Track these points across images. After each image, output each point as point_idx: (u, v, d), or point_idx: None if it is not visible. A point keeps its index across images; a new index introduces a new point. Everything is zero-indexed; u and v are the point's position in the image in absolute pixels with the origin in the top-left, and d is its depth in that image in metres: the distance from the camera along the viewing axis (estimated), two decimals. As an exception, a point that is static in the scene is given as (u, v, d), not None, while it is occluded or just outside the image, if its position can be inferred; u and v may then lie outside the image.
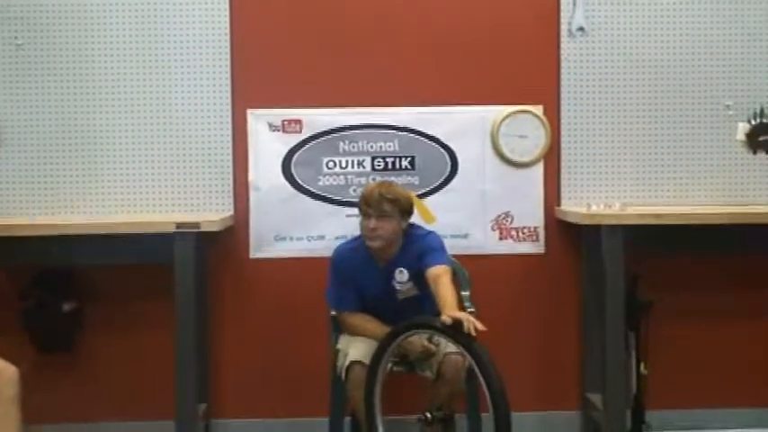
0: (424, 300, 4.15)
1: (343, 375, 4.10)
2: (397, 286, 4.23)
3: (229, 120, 4.94)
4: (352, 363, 4.06)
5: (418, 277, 4.15)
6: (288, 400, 4.98)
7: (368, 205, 4.16)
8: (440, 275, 4.00)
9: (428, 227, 4.52)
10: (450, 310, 3.77)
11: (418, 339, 4.04)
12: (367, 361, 4.02)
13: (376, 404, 3.98)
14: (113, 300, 4.89)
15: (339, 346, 4.27)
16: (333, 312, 4.41)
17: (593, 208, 4.79)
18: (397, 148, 4.97)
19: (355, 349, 4.11)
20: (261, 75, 4.95)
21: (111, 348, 4.92)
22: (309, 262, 4.93)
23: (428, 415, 3.88)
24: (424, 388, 4.15)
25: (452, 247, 4.80)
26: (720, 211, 4.65)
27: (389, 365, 4.11)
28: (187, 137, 4.93)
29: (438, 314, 3.82)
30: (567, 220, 4.86)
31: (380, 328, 4.13)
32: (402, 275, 4.22)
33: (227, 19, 4.93)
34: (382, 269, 4.24)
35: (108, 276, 4.84)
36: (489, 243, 5.00)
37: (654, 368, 4.72)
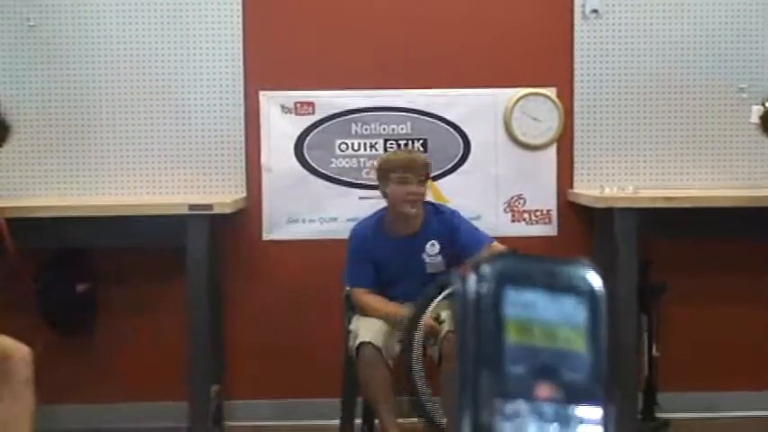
0: None
1: (354, 356, 4.12)
2: (427, 259, 4.25)
3: (242, 102, 4.94)
4: (362, 343, 4.07)
5: (448, 253, 4.18)
6: (300, 382, 4.99)
7: (409, 171, 4.21)
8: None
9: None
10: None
11: (425, 319, 4.05)
12: (377, 341, 4.04)
13: (416, 379, 3.94)
14: (127, 281, 4.91)
15: (351, 326, 4.28)
16: (346, 293, 4.41)
17: (607, 191, 4.78)
18: (409, 130, 4.97)
19: (366, 329, 4.12)
20: (273, 57, 4.94)
21: (125, 329, 4.94)
22: (322, 244, 4.94)
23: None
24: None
25: (465, 229, 4.81)
26: (734, 195, 4.64)
27: (398, 348, 4.13)
28: (200, 119, 4.93)
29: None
30: (579, 203, 4.86)
31: (390, 308, 4.15)
32: (434, 248, 4.25)
33: (240, 0, 4.92)
34: (405, 241, 4.24)
35: (121, 258, 4.85)
36: (502, 225, 5.00)
37: (666, 350, 4.72)
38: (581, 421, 0.56)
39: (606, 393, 0.57)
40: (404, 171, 4.22)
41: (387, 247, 4.27)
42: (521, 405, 0.56)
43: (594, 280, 0.59)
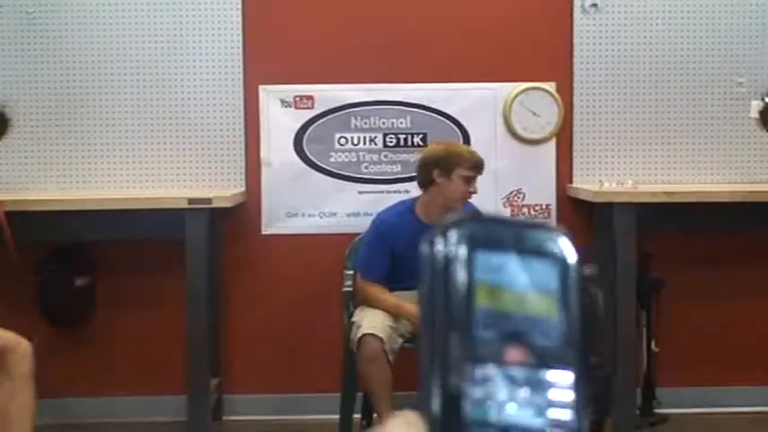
0: None
1: (355, 347, 4.10)
2: None
3: (241, 96, 4.94)
4: (365, 335, 4.04)
5: None
6: (299, 376, 4.99)
7: (479, 170, 4.20)
8: None
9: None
10: None
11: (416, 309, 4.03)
12: (380, 333, 4.02)
13: None
14: (126, 275, 4.91)
15: (354, 318, 4.25)
16: (346, 288, 4.39)
17: (606, 186, 4.78)
18: (409, 124, 4.97)
19: (369, 321, 4.09)
20: (273, 51, 4.94)
21: (124, 323, 4.95)
22: (321, 238, 4.94)
23: None
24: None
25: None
26: (733, 189, 4.63)
27: (401, 342, 4.12)
28: (199, 113, 4.93)
29: None
30: (579, 198, 4.85)
31: (398, 302, 4.14)
32: None
33: (240, -5, 4.93)
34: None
35: (121, 251, 4.86)
36: (501, 220, 4.98)
37: (665, 346, 4.72)
38: (552, 385, 0.56)
39: (578, 358, 0.56)
40: (475, 171, 4.20)
41: (416, 234, 4.21)
42: (491, 369, 0.55)
43: (565, 244, 0.58)
